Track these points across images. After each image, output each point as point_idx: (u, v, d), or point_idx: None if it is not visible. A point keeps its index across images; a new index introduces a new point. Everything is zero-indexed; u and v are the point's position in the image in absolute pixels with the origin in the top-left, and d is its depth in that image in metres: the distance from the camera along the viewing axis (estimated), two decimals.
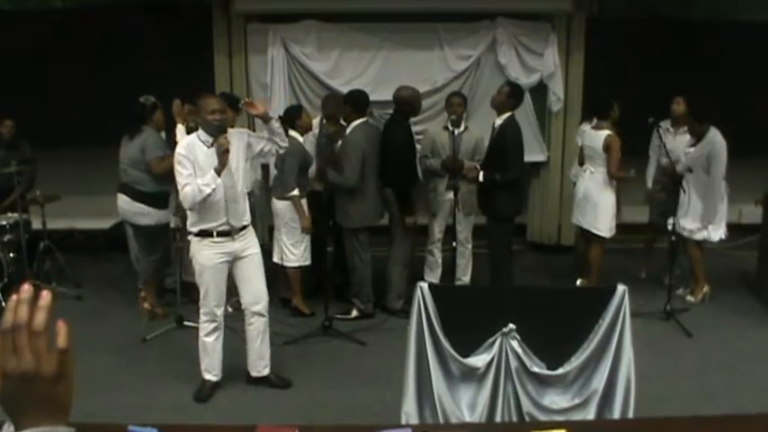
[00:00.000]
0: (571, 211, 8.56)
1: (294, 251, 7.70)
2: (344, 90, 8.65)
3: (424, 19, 9.52)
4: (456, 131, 7.76)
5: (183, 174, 5.82)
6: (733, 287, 8.65)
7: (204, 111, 5.87)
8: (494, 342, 4.90)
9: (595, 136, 7.97)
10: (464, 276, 8.28)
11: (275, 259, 7.84)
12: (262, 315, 6.23)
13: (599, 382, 4.94)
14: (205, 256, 5.99)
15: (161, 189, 7.58)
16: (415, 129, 8.11)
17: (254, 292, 6.19)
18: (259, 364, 6.36)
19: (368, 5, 9.37)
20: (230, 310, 7.84)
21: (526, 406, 4.95)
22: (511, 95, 7.80)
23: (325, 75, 9.50)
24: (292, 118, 7.71)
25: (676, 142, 8.23)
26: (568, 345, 4.96)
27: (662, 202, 8.55)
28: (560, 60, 9.69)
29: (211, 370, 6.24)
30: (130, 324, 7.62)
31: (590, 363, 4.95)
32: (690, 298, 8.20)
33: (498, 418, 4.93)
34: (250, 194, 7.77)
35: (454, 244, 7.71)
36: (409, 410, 4.99)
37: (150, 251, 7.72)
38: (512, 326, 4.83)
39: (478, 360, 4.94)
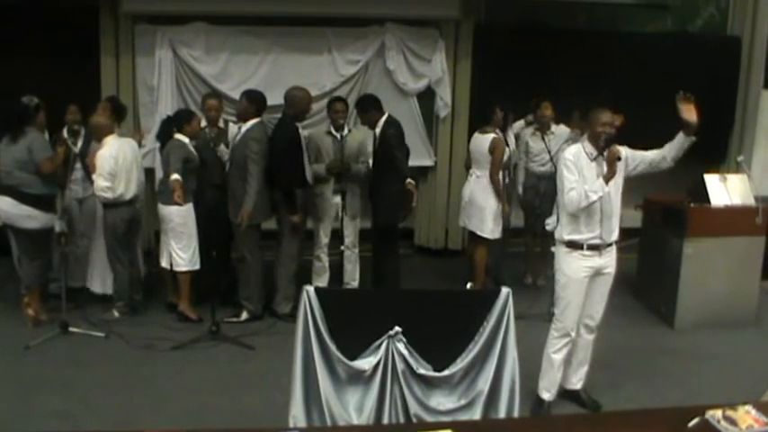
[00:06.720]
0: (458, 216, 8.69)
1: (183, 255, 7.66)
2: (233, 94, 8.64)
3: (314, 23, 9.56)
4: (340, 135, 7.92)
5: (570, 178, 5.70)
6: (614, 288, 8.88)
7: (597, 123, 5.74)
8: (380, 345, 4.94)
9: (482, 139, 8.11)
10: (352, 281, 8.30)
11: (163, 264, 7.82)
12: (593, 331, 6.10)
13: (484, 382, 5.03)
14: (573, 268, 5.87)
15: (48, 192, 7.42)
16: (302, 133, 8.04)
17: (599, 309, 6.06)
18: (574, 377, 6.22)
19: (257, 9, 9.31)
20: (116, 314, 7.76)
21: (413, 407, 5.00)
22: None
23: (214, 78, 9.44)
24: (182, 122, 7.66)
25: (544, 145, 8.49)
26: (454, 346, 5.03)
27: (536, 206, 8.74)
28: (448, 66, 9.87)
29: (551, 389, 6.04)
30: (13, 331, 7.42)
31: (475, 364, 5.03)
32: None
33: (386, 420, 4.98)
34: (136, 200, 7.70)
35: (342, 248, 7.74)
36: (297, 414, 5.00)
37: (34, 255, 7.53)
38: (398, 328, 4.88)
39: (365, 363, 4.98)
